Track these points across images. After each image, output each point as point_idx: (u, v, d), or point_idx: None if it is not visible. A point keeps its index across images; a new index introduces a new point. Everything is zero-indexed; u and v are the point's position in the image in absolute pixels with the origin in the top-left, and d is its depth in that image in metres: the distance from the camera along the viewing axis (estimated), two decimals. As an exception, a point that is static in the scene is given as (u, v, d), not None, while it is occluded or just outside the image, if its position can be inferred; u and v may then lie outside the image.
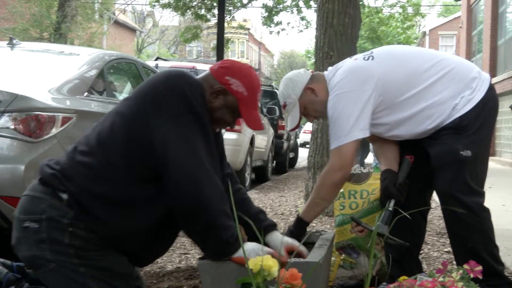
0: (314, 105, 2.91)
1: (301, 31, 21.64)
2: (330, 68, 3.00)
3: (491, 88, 2.84)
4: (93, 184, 2.24)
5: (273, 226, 2.59)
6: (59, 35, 20.37)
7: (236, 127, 7.85)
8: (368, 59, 2.85)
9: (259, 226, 2.48)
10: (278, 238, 2.52)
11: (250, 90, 2.41)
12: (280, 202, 7.21)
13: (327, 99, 2.83)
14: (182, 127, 2.21)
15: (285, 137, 13.31)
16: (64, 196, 2.24)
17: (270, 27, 19.47)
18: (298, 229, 2.83)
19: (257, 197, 7.70)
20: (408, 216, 2.26)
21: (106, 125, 2.32)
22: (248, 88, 2.40)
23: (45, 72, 4.41)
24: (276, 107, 12.76)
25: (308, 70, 3.07)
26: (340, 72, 2.84)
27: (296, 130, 15.41)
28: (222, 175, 2.56)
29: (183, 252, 4.11)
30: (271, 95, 14.01)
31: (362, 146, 8.34)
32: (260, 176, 11.18)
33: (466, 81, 2.79)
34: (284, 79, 3.00)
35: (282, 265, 1.94)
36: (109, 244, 2.27)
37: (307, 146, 6.39)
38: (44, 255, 2.22)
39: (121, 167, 2.24)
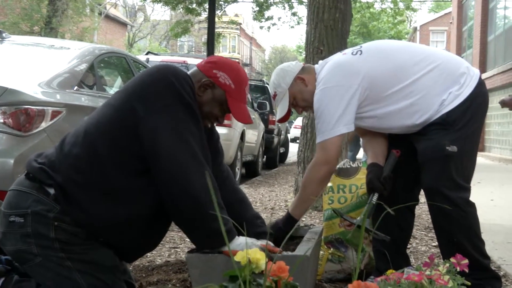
0: (303, 95, 2.93)
1: (292, 27, 21.59)
2: (320, 61, 3.01)
3: (480, 83, 2.81)
4: (80, 175, 2.24)
5: (265, 235, 2.56)
6: (49, 29, 20.27)
7: (227, 122, 7.87)
8: (356, 53, 2.85)
9: (252, 231, 2.50)
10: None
11: (238, 83, 2.43)
12: (270, 197, 7.22)
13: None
14: (172, 117, 2.21)
15: (275, 132, 13.30)
16: (51, 190, 2.24)
17: (261, 22, 19.41)
18: (287, 226, 2.82)
19: (247, 192, 7.70)
20: (393, 212, 2.27)
21: (95, 117, 2.33)
22: (235, 81, 2.42)
23: (35, 66, 4.39)
24: (267, 102, 12.75)
25: (299, 62, 3.08)
26: (327, 66, 2.86)
27: (287, 125, 15.19)
28: (219, 172, 2.57)
29: (172, 246, 4.12)
30: (262, 90, 13.99)
31: (354, 142, 8.34)
32: (251, 171, 11.18)
33: (454, 76, 2.78)
34: (276, 70, 3.02)
35: (271, 258, 1.95)
36: (95, 238, 2.27)
37: (298, 141, 6.40)
38: (30, 249, 2.22)
39: (108, 158, 2.24)
